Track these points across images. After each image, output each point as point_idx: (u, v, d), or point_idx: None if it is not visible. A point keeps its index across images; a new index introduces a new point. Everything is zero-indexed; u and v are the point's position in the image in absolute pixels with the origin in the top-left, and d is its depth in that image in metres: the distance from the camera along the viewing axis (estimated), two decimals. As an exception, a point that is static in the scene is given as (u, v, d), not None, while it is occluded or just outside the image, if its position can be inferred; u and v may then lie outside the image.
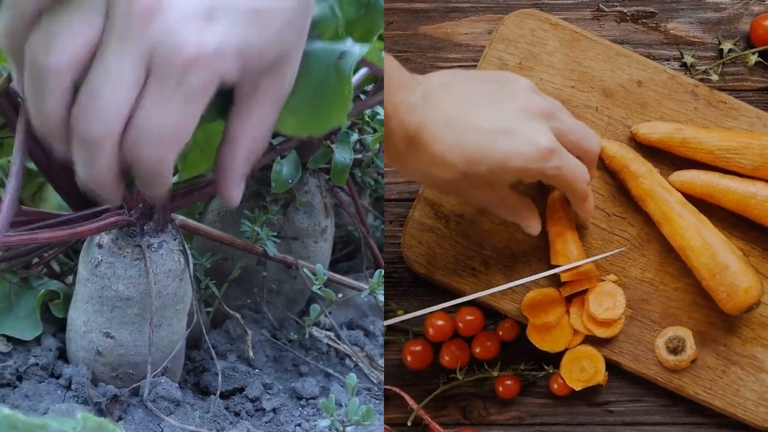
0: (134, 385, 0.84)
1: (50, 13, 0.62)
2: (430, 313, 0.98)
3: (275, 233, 0.94)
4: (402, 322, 1.00)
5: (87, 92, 0.63)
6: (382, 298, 0.92)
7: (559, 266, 0.96)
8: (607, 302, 0.97)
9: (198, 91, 0.63)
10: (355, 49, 0.72)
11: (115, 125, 0.64)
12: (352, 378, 0.81)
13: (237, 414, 0.86)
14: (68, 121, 0.64)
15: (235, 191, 0.72)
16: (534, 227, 0.94)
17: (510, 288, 0.96)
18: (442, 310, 0.99)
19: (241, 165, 0.71)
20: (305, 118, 0.72)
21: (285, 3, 0.66)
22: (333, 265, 1.06)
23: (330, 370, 0.95)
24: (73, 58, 0.62)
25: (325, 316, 0.96)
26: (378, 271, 0.92)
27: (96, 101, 0.63)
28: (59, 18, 0.62)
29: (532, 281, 0.97)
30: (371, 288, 0.91)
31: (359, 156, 1.00)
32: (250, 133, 0.70)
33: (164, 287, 0.83)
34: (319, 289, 0.92)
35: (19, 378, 0.85)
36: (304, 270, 0.94)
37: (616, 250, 0.98)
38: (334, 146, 0.95)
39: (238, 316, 0.94)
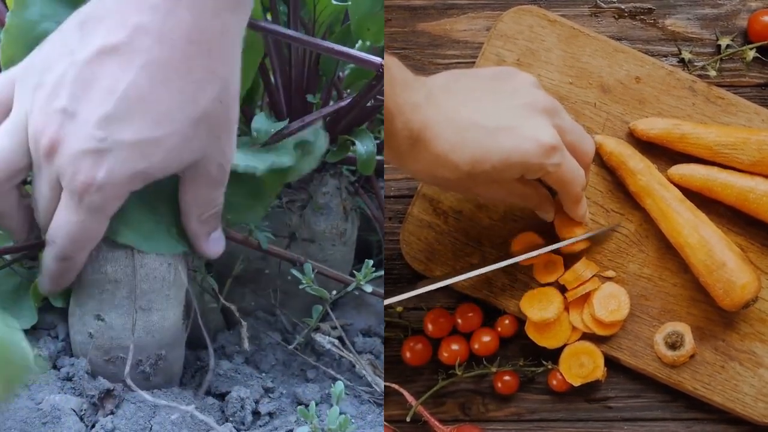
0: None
1: None
2: (430, 309, 0.99)
3: (266, 223, 0.93)
4: (401, 318, 1.01)
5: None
6: (369, 289, 0.91)
7: (550, 251, 0.95)
8: (612, 304, 0.97)
9: (97, 207, 0.78)
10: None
11: (44, 221, 0.82)
12: (338, 386, 0.81)
13: (232, 415, 0.86)
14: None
15: (204, 247, 0.86)
16: (548, 213, 0.94)
17: (499, 268, 0.94)
18: (441, 306, 1.00)
19: (198, 226, 0.84)
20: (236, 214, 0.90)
21: (173, 127, 0.77)
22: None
23: (339, 376, 0.94)
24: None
25: (332, 322, 0.95)
26: (366, 261, 0.91)
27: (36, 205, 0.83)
28: None
29: (533, 279, 0.97)
30: (358, 280, 0.91)
31: (379, 157, 0.98)
32: (191, 205, 0.83)
33: (152, 270, 0.84)
34: (310, 287, 0.91)
35: (22, 368, 0.85)
36: (293, 270, 0.92)
37: (612, 226, 0.98)
38: (354, 138, 0.93)
39: (238, 313, 0.94)
